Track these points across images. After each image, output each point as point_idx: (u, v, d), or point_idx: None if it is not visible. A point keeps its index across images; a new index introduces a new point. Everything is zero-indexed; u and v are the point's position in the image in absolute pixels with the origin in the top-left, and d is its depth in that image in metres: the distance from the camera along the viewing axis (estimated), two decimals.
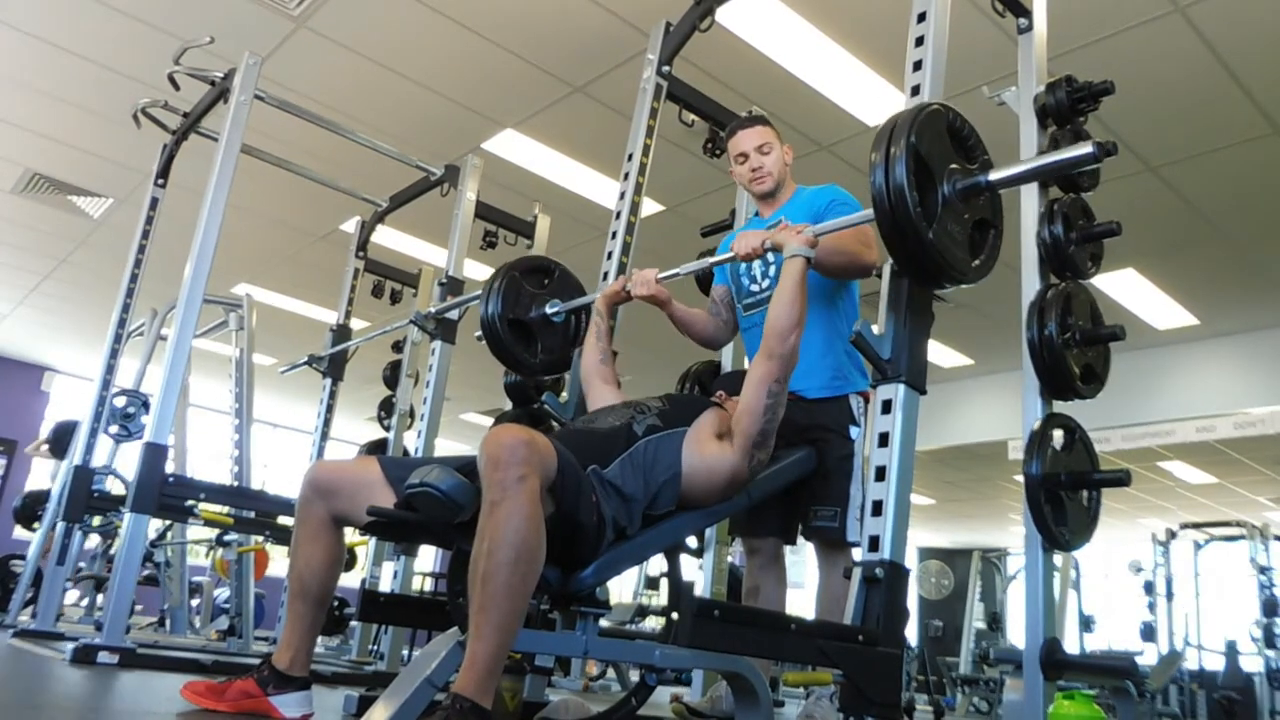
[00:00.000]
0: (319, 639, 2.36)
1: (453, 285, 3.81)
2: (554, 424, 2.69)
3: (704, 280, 2.86)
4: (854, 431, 2.28)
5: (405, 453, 4.28)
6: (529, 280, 2.68)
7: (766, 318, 1.92)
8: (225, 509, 3.65)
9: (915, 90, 2.06)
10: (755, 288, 2.47)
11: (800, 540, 2.40)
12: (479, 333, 2.64)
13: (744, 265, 2.48)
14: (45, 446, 6.15)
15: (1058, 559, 5.91)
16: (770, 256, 2.42)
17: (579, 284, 2.77)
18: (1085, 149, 1.54)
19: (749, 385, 1.89)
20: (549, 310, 2.65)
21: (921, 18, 2.10)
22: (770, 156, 2.45)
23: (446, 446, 11.02)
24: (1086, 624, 8.29)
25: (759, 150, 2.45)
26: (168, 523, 5.08)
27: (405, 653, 3.68)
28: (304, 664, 1.81)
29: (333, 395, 4.59)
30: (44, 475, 9.02)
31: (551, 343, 2.69)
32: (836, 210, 2.30)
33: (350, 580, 5.30)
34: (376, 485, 1.74)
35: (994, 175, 1.70)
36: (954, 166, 1.69)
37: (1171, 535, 8.28)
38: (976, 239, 1.75)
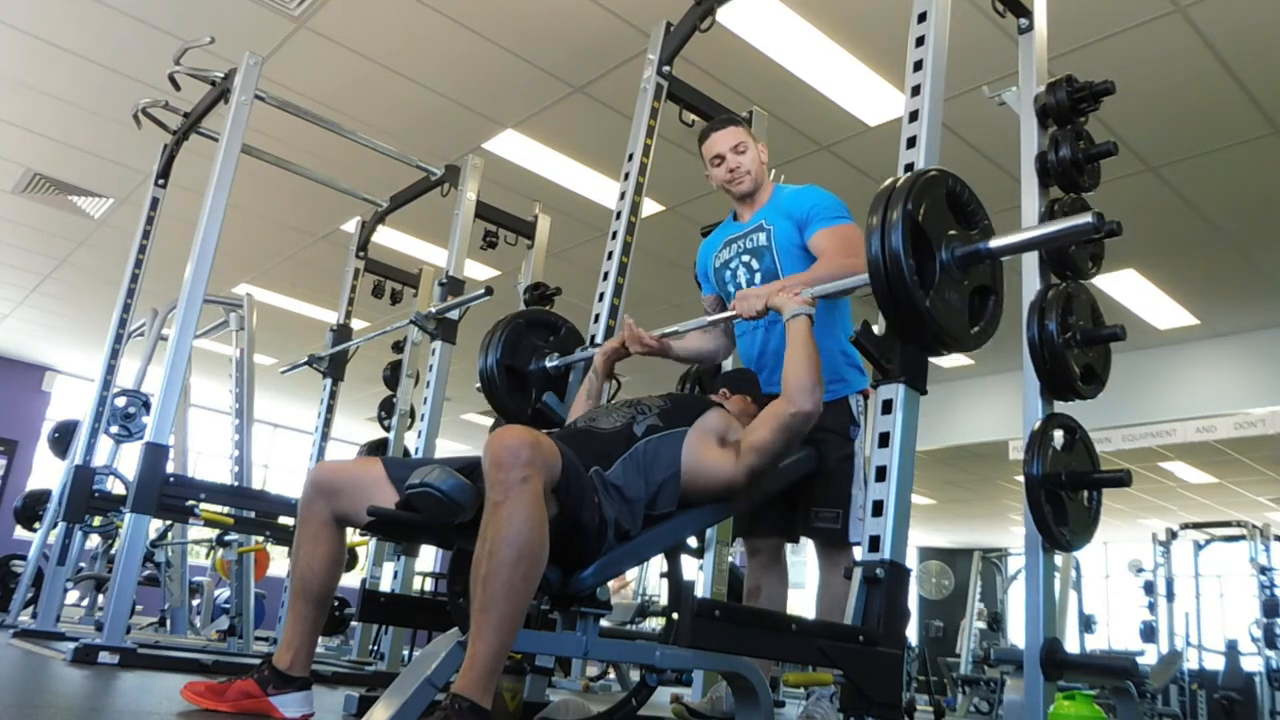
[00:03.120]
0: (319, 639, 2.36)
1: (453, 285, 3.80)
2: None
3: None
4: (854, 432, 2.28)
5: (406, 453, 4.28)
6: (534, 333, 2.65)
7: (784, 378, 1.90)
8: (226, 509, 3.66)
9: (915, 90, 2.06)
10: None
11: (801, 540, 2.40)
12: (478, 384, 2.59)
13: (728, 273, 2.49)
14: None
15: (1058, 559, 5.90)
16: (754, 262, 2.43)
17: (583, 341, 2.72)
18: (1085, 219, 1.56)
19: (767, 422, 1.87)
20: (548, 364, 2.61)
21: (922, 18, 2.10)
22: (747, 155, 2.44)
23: (447, 447, 11.02)
24: (1087, 624, 8.30)
25: (735, 150, 2.44)
26: (168, 523, 5.08)
27: (405, 653, 3.68)
28: (305, 664, 1.81)
29: (333, 395, 4.59)
30: (45, 475, 9.04)
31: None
32: (820, 216, 2.30)
33: (350, 580, 5.30)
34: (379, 485, 1.74)
35: (994, 243, 1.68)
36: (953, 233, 1.67)
37: (1172, 535, 8.28)
38: (976, 306, 1.74)
